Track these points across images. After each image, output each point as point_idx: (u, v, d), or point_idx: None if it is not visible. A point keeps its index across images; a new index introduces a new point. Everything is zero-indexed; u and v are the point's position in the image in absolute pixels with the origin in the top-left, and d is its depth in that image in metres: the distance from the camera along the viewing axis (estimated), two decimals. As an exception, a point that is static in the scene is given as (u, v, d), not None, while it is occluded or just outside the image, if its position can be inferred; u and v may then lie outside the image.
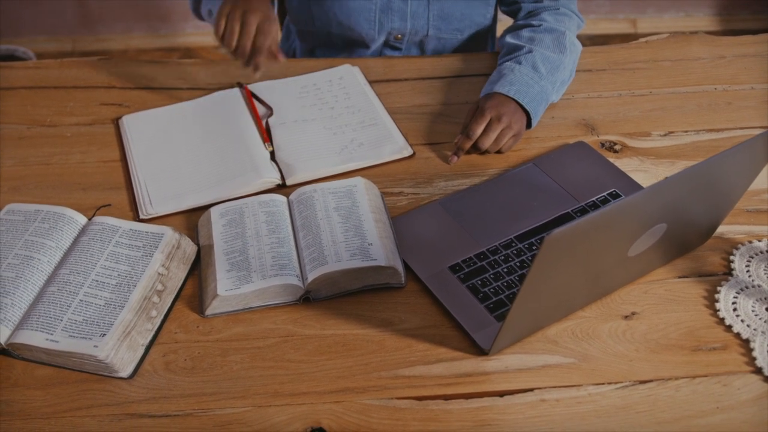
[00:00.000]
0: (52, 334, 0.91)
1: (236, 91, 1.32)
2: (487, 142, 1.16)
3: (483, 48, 1.49)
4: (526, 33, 1.29)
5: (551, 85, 1.23)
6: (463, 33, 1.43)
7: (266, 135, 1.22)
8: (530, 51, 1.24)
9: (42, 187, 1.16)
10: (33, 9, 2.69)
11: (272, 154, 1.19)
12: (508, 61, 1.25)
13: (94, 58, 1.41)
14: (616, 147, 1.21)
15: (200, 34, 2.80)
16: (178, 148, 1.22)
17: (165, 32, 2.79)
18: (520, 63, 1.23)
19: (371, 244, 1.00)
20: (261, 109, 1.28)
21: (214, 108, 1.29)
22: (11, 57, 2.51)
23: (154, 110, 1.28)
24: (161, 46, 2.78)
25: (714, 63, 1.38)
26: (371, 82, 1.33)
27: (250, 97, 1.29)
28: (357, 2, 1.36)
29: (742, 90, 1.32)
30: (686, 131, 1.24)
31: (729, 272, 1.02)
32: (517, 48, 1.27)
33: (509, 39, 1.30)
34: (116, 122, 1.27)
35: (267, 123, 1.25)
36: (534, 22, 1.31)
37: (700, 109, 1.28)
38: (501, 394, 0.89)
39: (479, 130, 1.16)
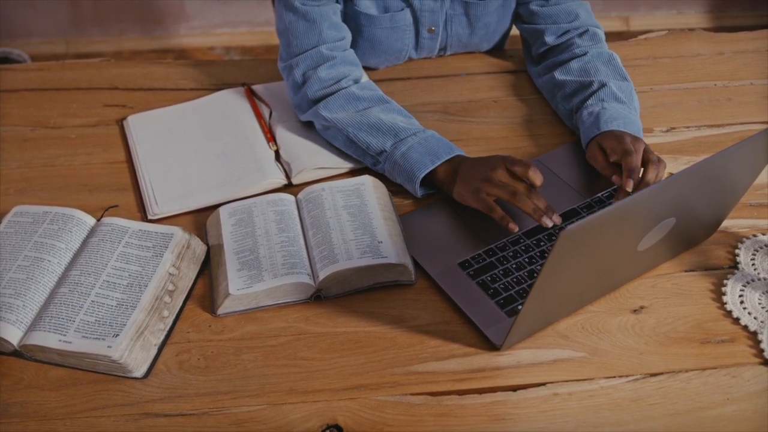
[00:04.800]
0: (65, 335, 0.91)
1: (238, 90, 1.32)
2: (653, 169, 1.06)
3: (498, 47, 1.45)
4: (575, 65, 1.23)
5: (636, 112, 1.18)
6: (489, 43, 1.40)
7: (270, 134, 1.23)
8: (603, 85, 1.18)
9: (48, 189, 1.16)
10: (26, 11, 2.67)
11: (277, 154, 1.20)
12: (587, 99, 1.18)
13: (95, 59, 1.41)
14: (620, 143, 1.21)
15: (194, 36, 2.79)
16: (184, 148, 1.22)
17: (159, 34, 2.78)
18: (603, 100, 1.17)
19: (381, 242, 1.00)
20: (263, 110, 1.28)
21: (218, 108, 1.29)
22: (5, 59, 2.50)
23: (158, 110, 1.28)
24: (155, 47, 2.77)
25: (713, 59, 1.39)
26: (374, 81, 1.33)
27: (251, 97, 1.30)
28: (392, 44, 1.32)
29: (741, 86, 1.33)
30: (688, 127, 1.25)
31: (734, 265, 1.03)
32: (585, 85, 1.20)
33: (561, 76, 1.23)
34: (120, 123, 1.27)
35: (269, 122, 1.25)
36: (577, 51, 1.24)
37: (701, 105, 1.29)
38: (514, 388, 0.89)
39: (639, 160, 1.06)
